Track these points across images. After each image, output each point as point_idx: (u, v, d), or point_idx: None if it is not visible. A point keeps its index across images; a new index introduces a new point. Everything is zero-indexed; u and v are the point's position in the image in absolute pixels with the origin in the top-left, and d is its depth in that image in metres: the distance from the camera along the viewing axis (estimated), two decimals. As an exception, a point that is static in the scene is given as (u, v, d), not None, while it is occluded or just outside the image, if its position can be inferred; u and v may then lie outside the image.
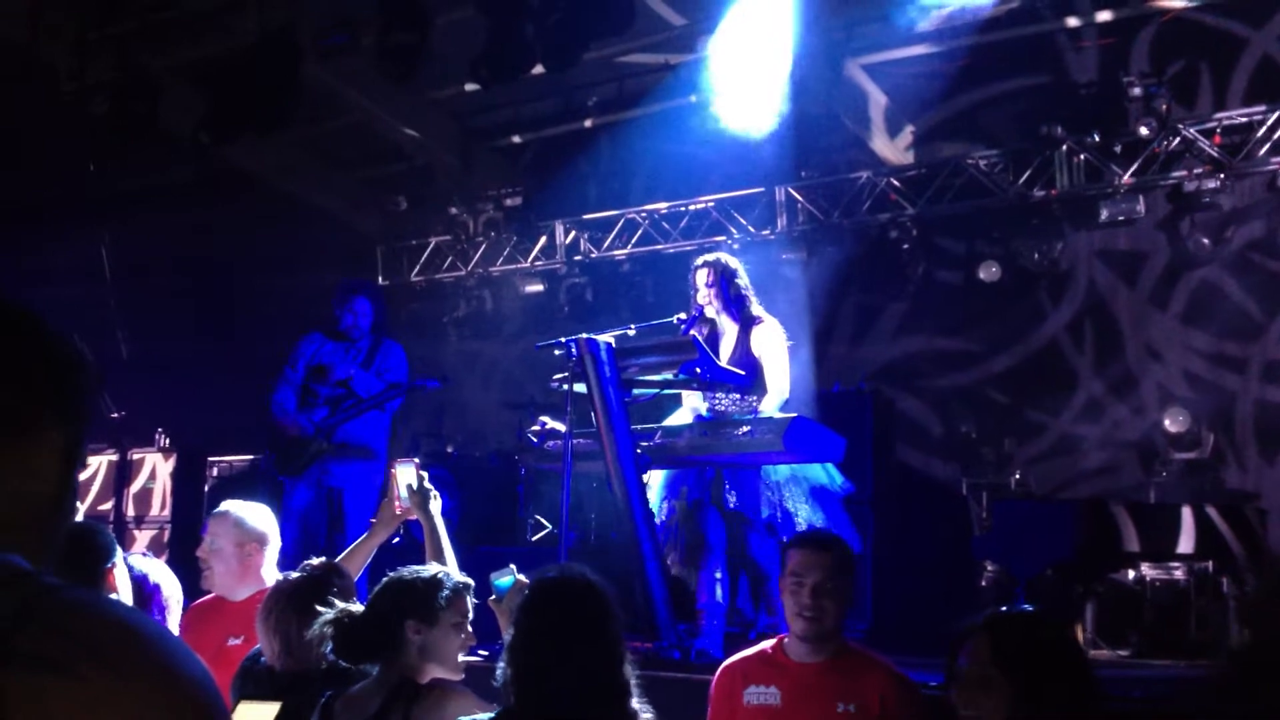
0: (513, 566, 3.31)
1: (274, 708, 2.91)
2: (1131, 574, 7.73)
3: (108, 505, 10.20)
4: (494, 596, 3.29)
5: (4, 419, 1.21)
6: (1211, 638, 7.33)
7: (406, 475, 3.72)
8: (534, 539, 8.88)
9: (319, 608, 3.09)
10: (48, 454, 1.24)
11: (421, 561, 3.32)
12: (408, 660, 2.93)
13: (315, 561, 3.37)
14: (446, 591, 3.02)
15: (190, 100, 9.39)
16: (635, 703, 2.73)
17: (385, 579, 3.07)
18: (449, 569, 3.20)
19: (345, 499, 7.06)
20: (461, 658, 3.02)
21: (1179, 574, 7.58)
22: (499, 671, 2.71)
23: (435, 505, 3.69)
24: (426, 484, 3.71)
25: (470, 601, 3.10)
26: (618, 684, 2.67)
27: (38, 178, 10.45)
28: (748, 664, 3.59)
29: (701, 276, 5.68)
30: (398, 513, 3.80)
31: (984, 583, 8.04)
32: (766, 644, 3.62)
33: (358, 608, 3.01)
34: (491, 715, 2.67)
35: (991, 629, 2.59)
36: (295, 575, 3.27)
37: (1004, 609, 2.88)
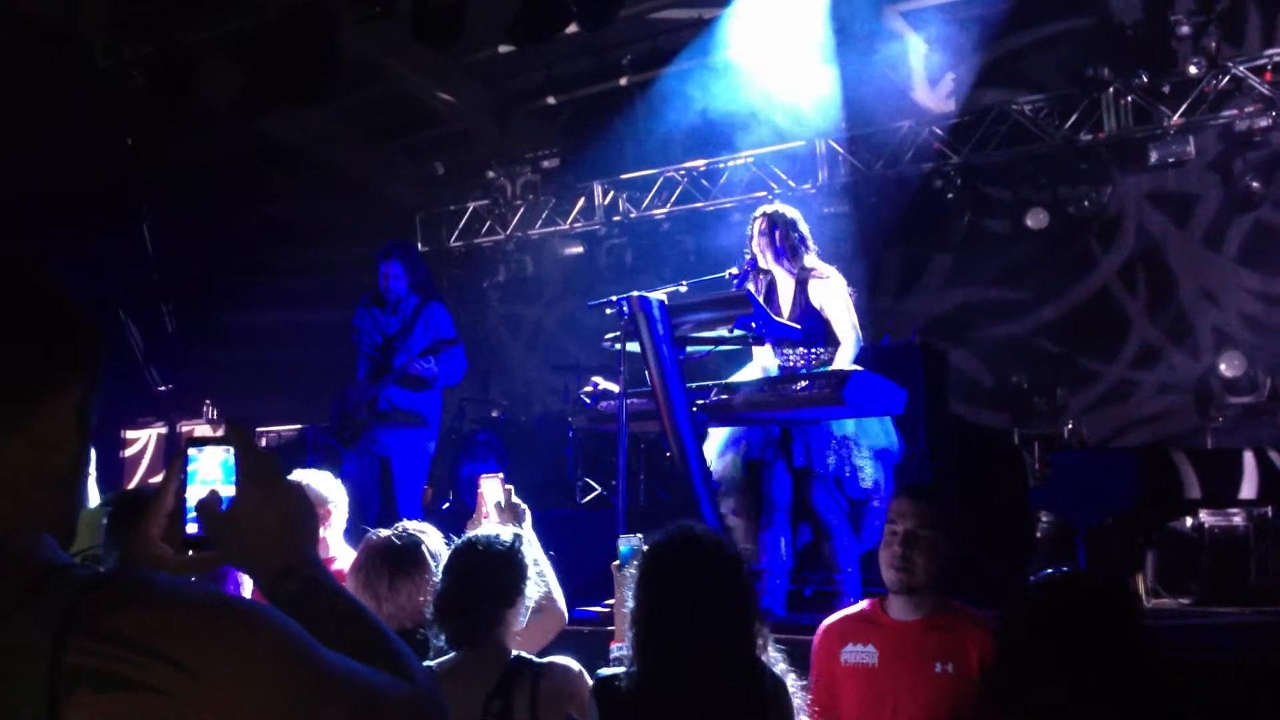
0: (640, 536, 3.21)
1: None
2: (1189, 521, 7.62)
3: (159, 478, 10.27)
4: (618, 561, 3.28)
5: (24, 380, 1.11)
6: (1272, 583, 7.23)
7: (494, 491, 3.54)
8: (584, 501, 8.86)
9: (410, 567, 3.12)
10: (65, 417, 1.15)
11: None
12: (501, 638, 2.92)
13: (406, 523, 3.36)
14: (527, 573, 3.00)
15: (226, 74, 9.36)
16: (772, 651, 2.72)
17: (475, 566, 2.97)
18: (522, 533, 3.15)
19: (394, 467, 7.00)
20: None
21: (1238, 520, 7.47)
22: (628, 637, 2.69)
23: (527, 521, 3.49)
24: (515, 498, 3.53)
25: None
26: (751, 637, 2.64)
27: (75, 160, 10.49)
28: (847, 622, 3.53)
29: (756, 229, 5.60)
30: None
31: (1040, 534, 7.94)
32: (867, 602, 3.56)
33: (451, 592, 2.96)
34: (626, 670, 2.66)
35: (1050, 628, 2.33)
36: (385, 533, 3.27)
37: (1064, 594, 2.49)
